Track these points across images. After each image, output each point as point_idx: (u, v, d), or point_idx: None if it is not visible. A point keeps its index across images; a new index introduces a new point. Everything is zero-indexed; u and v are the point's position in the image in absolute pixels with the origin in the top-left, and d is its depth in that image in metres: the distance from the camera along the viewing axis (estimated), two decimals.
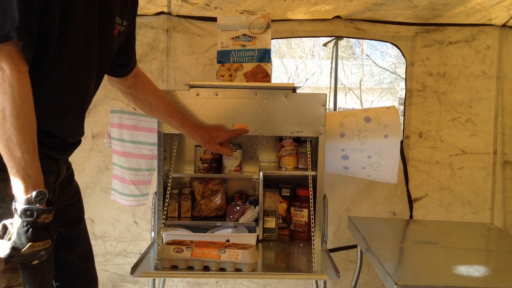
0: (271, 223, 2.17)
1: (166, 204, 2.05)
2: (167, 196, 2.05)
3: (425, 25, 2.68)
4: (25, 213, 1.14)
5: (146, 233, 2.70)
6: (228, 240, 1.99)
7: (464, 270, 1.69)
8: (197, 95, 2.03)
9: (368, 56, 13.71)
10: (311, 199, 2.00)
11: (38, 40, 1.22)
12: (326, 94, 2.07)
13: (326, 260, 1.92)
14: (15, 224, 1.15)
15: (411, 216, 2.77)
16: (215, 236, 2.06)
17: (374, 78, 13.69)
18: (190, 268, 1.75)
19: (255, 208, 2.20)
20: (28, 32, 1.17)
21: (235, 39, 2.12)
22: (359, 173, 2.28)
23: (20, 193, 1.16)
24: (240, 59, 2.12)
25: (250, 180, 2.37)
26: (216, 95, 2.03)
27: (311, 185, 2.02)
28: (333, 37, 2.76)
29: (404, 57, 2.70)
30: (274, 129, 2.05)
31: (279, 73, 12.69)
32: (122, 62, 1.70)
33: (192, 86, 2.03)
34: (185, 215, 2.27)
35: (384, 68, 13.19)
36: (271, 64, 2.15)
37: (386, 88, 13.47)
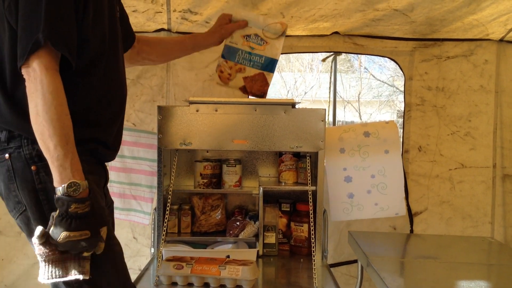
0: (271, 238, 2.17)
1: (166, 220, 2.05)
2: (167, 211, 2.05)
3: (423, 40, 2.70)
4: (57, 202, 1.19)
5: (145, 249, 2.69)
6: (228, 256, 1.99)
7: (466, 285, 1.69)
8: (197, 111, 2.04)
9: (367, 69, 13.78)
10: (311, 214, 2.00)
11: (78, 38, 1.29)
12: (325, 109, 2.08)
13: (327, 276, 1.91)
14: (54, 214, 1.20)
15: (411, 230, 2.76)
16: (215, 252, 2.05)
17: (373, 91, 13.74)
18: (190, 284, 1.75)
19: (255, 223, 2.20)
20: (58, 31, 1.23)
21: (246, 38, 2.05)
22: (365, 202, 2.27)
23: (56, 183, 1.21)
24: (245, 62, 2.06)
25: (250, 195, 2.36)
26: (216, 110, 2.04)
27: (311, 200, 2.02)
28: (332, 53, 2.78)
29: (403, 72, 2.72)
30: (273, 144, 2.06)
31: (278, 87, 12.75)
32: (126, 37, 1.74)
33: (191, 102, 2.04)
34: (185, 230, 2.27)
35: (382, 81, 13.24)
36: (273, 75, 2.14)
37: (385, 101, 13.51)
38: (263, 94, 2.06)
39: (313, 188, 2.11)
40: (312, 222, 1.96)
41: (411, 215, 2.75)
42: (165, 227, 2.05)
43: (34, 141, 1.24)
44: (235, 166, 2.22)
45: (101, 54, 1.37)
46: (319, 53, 3.03)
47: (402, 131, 2.77)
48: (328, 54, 2.84)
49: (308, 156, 2.16)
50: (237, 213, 2.28)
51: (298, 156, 2.24)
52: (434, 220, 2.76)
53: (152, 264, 2.04)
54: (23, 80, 1.23)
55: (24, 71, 1.22)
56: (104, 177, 1.49)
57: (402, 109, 2.78)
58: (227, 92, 2.68)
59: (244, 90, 2.07)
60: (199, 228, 2.25)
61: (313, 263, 1.88)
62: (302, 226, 2.18)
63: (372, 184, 2.23)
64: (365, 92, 13.74)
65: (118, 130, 1.51)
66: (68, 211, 1.18)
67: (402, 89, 2.78)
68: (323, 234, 2.12)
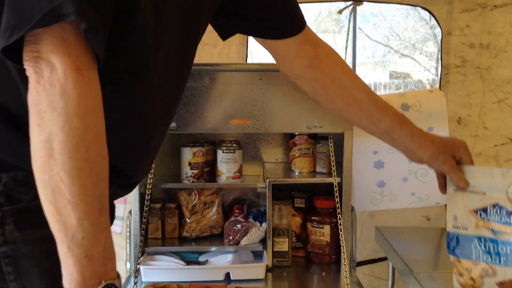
0: (283, 245, 1.68)
1: (144, 225, 1.56)
2: (145, 213, 1.56)
3: None
4: None
5: (120, 263, 2.19)
6: (228, 275, 1.51)
7: None
8: None
9: (361, 29, 13.14)
10: (339, 213, 1.52)
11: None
12: None
13: None
14: None
15: None
16: (210, 269, 1.56)
17: (366, 51, 13.14)
18: None
19: (261, 225, 1.70)
20: (97, 9, 0.68)
21: (480, 213, 1.17)
22: (399, 191, 1.78)
23: (71, 283, 0.68)
24: (489, 258, 1.15)
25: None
26: (208, 81, 1.51)
27: (338, 195, 1.53)
28: (351, 2, 2.23)
29: (439, 25, 2.19)
30: (285, 124, 1.55)
31: None
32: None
33: None
34: (171, 235, 1.77)
35: (377, 41, 12.65)
36: None
37: (379, 62, 12.95)
38: None
39: (338, 179, 1.61)
40: (332, 225, 1.47)
41: None
42: (143, 234, 1.57)
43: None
44: (234, 152, 1.70)
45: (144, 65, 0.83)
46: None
47: None
48: (346, 4, 2.29)
49: (330, 137, 1.65)
50: (237, 211, 1.77)
51: (315, 137, 1.72)
52: None
53: (129, 284, 1.55)
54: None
55: (28, 65, 0.67)
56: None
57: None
58: (219, 55, 2.14)
59: None
60: (189, 232, 1.75)
61: (346, 281, 1.41)
62: (322, 228, 1.68)
63: (410, 170, 1.73)
64: (359, 51, 13.13)
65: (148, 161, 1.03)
66: None
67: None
68: (351, 239, 1.64)
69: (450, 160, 1.16)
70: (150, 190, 1.60)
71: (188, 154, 1.71)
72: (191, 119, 1.53)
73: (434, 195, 1.75)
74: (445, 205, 1.25)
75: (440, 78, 2.23)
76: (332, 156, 1.62)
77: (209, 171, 1.76)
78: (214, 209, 1.77)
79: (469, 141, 2.23)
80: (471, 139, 2.21)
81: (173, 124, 1.53)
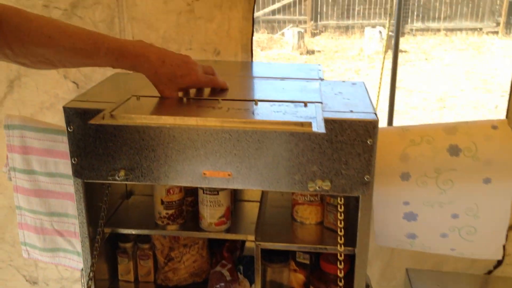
0: None
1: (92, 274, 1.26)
2: (94, 259, 1.25)
3: None
4: None
5: None
6: None
7: None
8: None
9: None
10: None
11: None
12: (375, 120, 1.06)
13: None
14: None
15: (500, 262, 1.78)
16: None
17: None
18: None
19: (251, 284, 1.35)
20: None
21: None
22: (435, 245, 1.35)
23: None
24: None
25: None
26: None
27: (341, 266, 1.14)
28: None
29: None
30: (277, 179, 1.12)
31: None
32: None
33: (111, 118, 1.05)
34: (146, 279, 1.46)
35: None
36: None
37: None
38: None
39: (350, 249, 1.20)
40: None
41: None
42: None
43: None
44: (218, 194, 1.30)
45: None
46: None
47: None
48: None
49: (340, 199, 1.21)
50: (226, 254, 1.42)
51: None
52: None
53: None
54: None
55: None
56: None
57: None
58: (217, 32, 1.67)
59: None
60: (165, 281, 1.43)
61: None
62: None
63: (452, 226, 1.30)
64: None
65: None
66: None
67: None
68: None
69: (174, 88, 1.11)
70: (100, 236, 1.26)
71: (161, 191, 1.33)
72: (150, 164, 1.13)
73: (481, 253, 1.33)
74: None
75: None
76: (341, 217, 1.19)
77: (189, 210, 1.39)
78: (196, 251, 1.43)
79: None
80: None
81: (128, 171, 1.14)
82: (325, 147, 1.09)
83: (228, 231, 1.33)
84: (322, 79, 1.39)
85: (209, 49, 1.65)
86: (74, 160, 1.15)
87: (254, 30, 1.62)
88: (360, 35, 9.59)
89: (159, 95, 1.12)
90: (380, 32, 8.75)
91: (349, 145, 1.08)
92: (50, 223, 1.42)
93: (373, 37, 8.85)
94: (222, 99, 1.12)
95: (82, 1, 1.63)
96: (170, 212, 1.34)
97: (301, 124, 0.95)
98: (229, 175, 1.13)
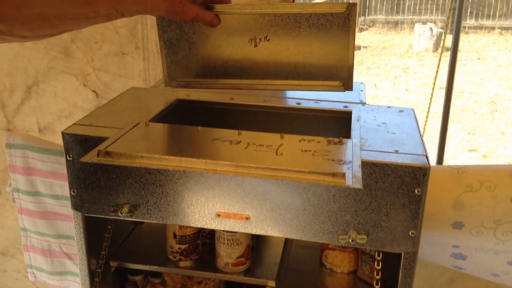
0: None
1: None
2: None
3: None
4: None
5: None
6: None
7: None
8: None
9: None
10: None
11: None
12: (426, 165, 0.87)
13: None
14: None
15: None
16: None
17: None
18: None
19: None
20: None
21: None
22: (483, 276, 1.16)
23: None
24: None
25: None
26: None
27: None
28: None
29: None
30: (302, 228, 0.95)
31: None
32: None
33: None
34: None
35: None
36: None
37: None
38: None
39: None
40: None
41: None
42: None
43: None
44: (236, 232, 1.14)
45: None
46: None
47: None
48: None
49: (378, 254, 1.03)
50: None
51: None
52: None
53: None
54: None
55: None
56: None
57: None
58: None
59: None
60: None
61: None
62: None
63: (506, 271, 1.09)
64: None
65: None
66: None
67: None
68: None
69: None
70: (101, 271, 1.13)
71: (174, 226, 1.19)
72: (156, 202, 0.98)
73: None
74: None
75: None
76: (378, 274, 1.01)
77: (208, 240, 1.24)
78: None
79: None
80: None
81: (132, 206, 1.00)
82: (362, 194, 0.91)
83: (247, 272, 1.17)
84: (364, 103, 1.21)
85: None
86: (74, 192, 1.01)
87: None
88: (410, 31, 9.20)
89: (175, 119, 0.97)
90: (431, 28, 8.35)
91: (392, 194, 0.90)
92: (59, 245, 1.31)
93: (423, 33, 8.46)
94: (243, 131, 0.96)
95: None
96: (183, 247, 1.20)
97: (332, 174, 0.78)
98: (246, 218, 0.97)
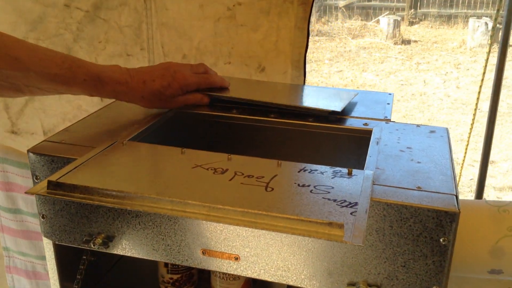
0: None
1: None
2: None
3: None
4: None
5: None
6: None
7: None
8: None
9: None
10: None
11: None
12: (456, 210, 0.69)
13: None
14: None
15: None
16: None
17: None
18: None
19: None
20: None
21: None
22: None
23: None
24: None
25: None
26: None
27: None
28: None
29: None
30: (296, 273, 0.79)
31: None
32: None
33: None
34: None
35: None
36: None
37: None
38: None
39: None
40: None
41: None
42: None
43: None
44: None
45: None
46: None
47: None
48: None
49: None
50: None
51: None
52: None
53: None
54: None
55: None
56: None
57: None
58: (262, 44, 1.35)
59: None
60: None
61: None
62: None
63: None
64: None
65: None
66: None
67: None
68: None
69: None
70: None
71: (161, 268, 1.05)
72: (133, 236, 0.84)
73: None
74: None
75: None
76: None
77: (197, 276, 1.10)
78: None
79: None
80: None
81: (106, 238, 0.87)
82: (374, 240, 0.74)
83: None
84: (388, 120, 1.02)
85: (252, 64, 1.32)
86: (43, 218, 0.89)
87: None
88: (463, 25, 8.72)
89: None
90: (487, 23, 7.87)
91: (411, 241, 0.72)
92: (44, 267, 1.20)
93: (477, 28, 7.99)
94: (233, 155, 0.80)
95: (106, 1, 1.37)
96: (175, 277, 1.06)
97: (329, 224, 0.61)
98: (236, 258, 0.81)
